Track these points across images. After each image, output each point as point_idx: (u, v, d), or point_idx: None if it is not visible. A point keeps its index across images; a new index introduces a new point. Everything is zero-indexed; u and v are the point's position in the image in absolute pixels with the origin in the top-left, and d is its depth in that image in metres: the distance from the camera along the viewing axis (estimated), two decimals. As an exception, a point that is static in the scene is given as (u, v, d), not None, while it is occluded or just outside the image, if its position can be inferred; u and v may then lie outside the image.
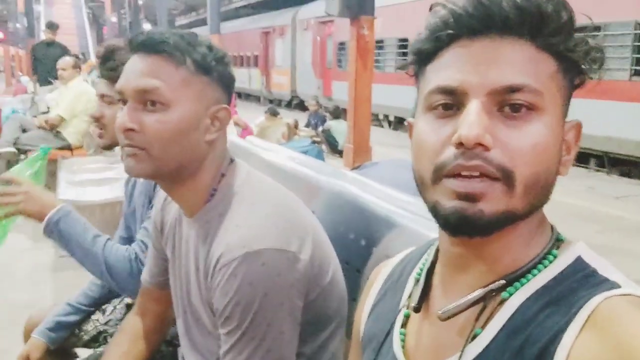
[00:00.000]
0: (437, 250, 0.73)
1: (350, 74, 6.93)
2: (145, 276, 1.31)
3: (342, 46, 14.32)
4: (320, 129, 9.36)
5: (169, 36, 1.00)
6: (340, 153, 8.59)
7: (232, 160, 1.10)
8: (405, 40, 12.12)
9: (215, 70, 1.02)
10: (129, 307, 1.74)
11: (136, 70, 0.99)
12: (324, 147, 8.80)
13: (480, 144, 0.56)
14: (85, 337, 1.74)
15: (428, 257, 0.74)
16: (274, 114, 9.00)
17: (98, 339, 1.73)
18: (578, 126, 0.64)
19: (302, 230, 1.02)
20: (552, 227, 0.66)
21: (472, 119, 0.57)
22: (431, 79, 0.63)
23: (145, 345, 1.29)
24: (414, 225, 1.24)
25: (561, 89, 0.61)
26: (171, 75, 0.98)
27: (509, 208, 0.58)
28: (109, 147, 1.59)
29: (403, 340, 0.72)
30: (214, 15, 15.16)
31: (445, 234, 0.65)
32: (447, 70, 0.61)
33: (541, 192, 0.60)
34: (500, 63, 0.58)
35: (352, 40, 6.84)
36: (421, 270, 0.74)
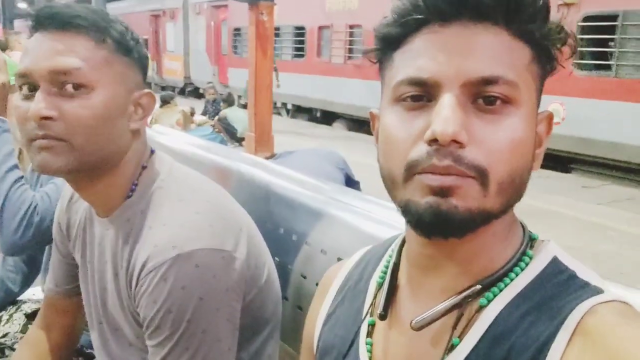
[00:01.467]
0: (400, 250, 0.68)
1: (250, 62, 6.79)
2: (49, 285, 1.17)
3: (237, 32, 14.08)
4: (216, 118, 9.15)
5: (82, 10, 0.87)
6: (239, 140, 8.44)
7: (152, 152, 0.99)
8: (302, 27, 12.14)
9: (135, 51, 0.92)
10: (28, 317, 1.57)
11: (48, 49, 0.84)
12: (222, 135, 8.61)
13: (455, 141, 0.52)
14: None
15: (390, 258, 0.69)
16: (166, 100, 8.60)
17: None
18: (550, 117, 0.62)
19: (236, 227, 0.94)
20: (522, 225, 0.64)
21: (447, 114, 0.52)
22: (400, 68, 0.57)
23: None
24: (343, 215, 1.20)
25: (535, 78, 0.58)
26: (92, 53, 0.86)
27: (483, 207, 0.54)
28: None
29: (370, 352, 0.66)
30: (99, -5, 14.21)
31: (415, 235, 0.60)
32: (417, 59, 0.56)
33: (516, 190, 0.57)
34: (475, 52, 0.54)
35: (251, 26, 6.69)
36: (384, 273, 0.69)
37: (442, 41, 0.55)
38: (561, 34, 0.57)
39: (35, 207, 1.31)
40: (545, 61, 0.59)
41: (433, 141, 0.52)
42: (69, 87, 0.84)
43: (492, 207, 0.55)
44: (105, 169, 0.91)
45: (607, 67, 6.89)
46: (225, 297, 0.88)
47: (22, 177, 1.35)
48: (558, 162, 7.61)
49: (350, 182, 2.28)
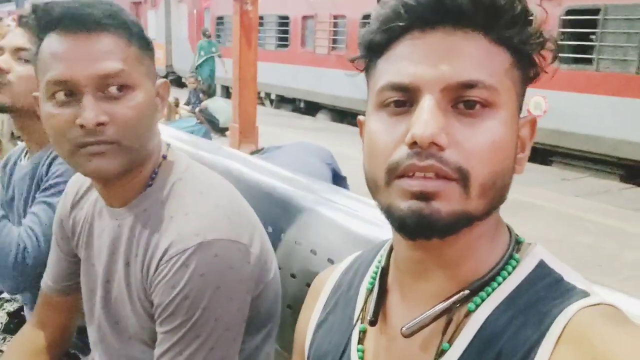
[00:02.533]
0: (389, 255, 0.69)
1: (234, 52, 6.73)
2: (47, 282, 1.16)
3: (220, 20, 13.93)
4: (197, 109, 9.07)
5: (103, 8, 0.86)
6: (222, 131, 8.39)
7: (168, 145, 1.01)
8: (286, 17, 12.06)
9: (150, 45, 0.94)
10: (11, 315, 1.54)
11: (87, 54, 0.84)
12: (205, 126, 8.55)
13: (434, 144, 0.53)
14: None
15: (380, 263, 0.70)
16: None
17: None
18: (533, 122, 0.63)
19: (250, 224, 0.97)
20: (509, 228, 0.65)
21: (426, 117, 0.53)
22: (382, 74, 0.59)
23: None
24: (333, 215, 1.21)
25: (516, 83, 0.59)
26: (126, 53, 0.87)
27: (466, 209, 0.55)
28: (3, 109, 1.35)
29: (362, 358, 0.67)
30: (79, -19, 13.93)
31: (401, 239, 0.61)
32: (398, 64, 0.57)
33: (498, 192, 0.58)
34: (454, 57, 0.55)
35: (235, 16, 6.63)
36: (373, 278, 0.70)
37: (423, 47, 0.56)
38: (539, 38, 0.58)
39: (24, 249, 1.25)
40: (526, 66, 0.60)
41: (413, 144, 0.54)
42: (113, 90, 0.85)
43: (475, 209, 0.56)
44: (142, 162, 0.93)
45: (589, 61, 6.98)
46: (239, 288, 0.90)
47: (4, 215, 1.30)
48: (538, 154, 7.71)
49: (338, 178, 2.30)
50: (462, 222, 0.56)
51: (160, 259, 0.88)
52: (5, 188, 1.50)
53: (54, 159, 1.31)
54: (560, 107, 7.05)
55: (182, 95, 10.37)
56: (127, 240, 0.95)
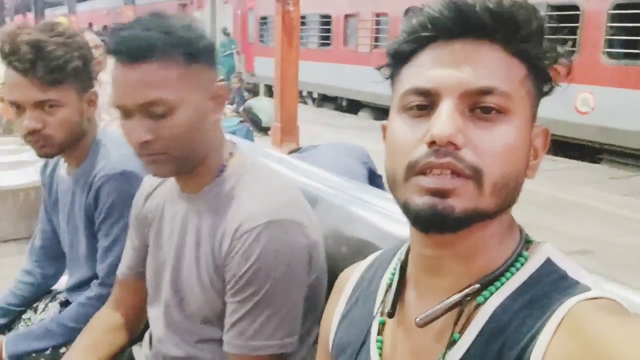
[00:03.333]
0: (408, 253, 0.73)
1: (276, 52, 6.82)
2: (122, 268, 1.26)
3: (264, 21, 14.10)
4: (241, 108, 9.22)
5: (152, 36, 0.94)
6: (264, 130, 8.50)
7: (234, 143, 1.11)
8: (328, 16, 12.12)
9: (202, 53, 0.99)
10: (62, 304, 1.63)
11: (132, 83, 0.95)
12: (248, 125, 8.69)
13: (451, 143, 0.57)
14: None
15: (399, 260, 0.74)
16: None
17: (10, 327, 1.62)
18: (546, 132, 0.67)
19: (309, 212, 1.07)
20: (520, 229, 0.68)
21: (445, 119, 0.58)
22: (406, 80, 0.63)
23: (116, 337, 1.24)
24: (364, 213, 1.25)
25: (530, 94, 0.63)
26: (168, 78, 0.96)
27: (479, 206, 0.59)
28: (55, 155, 1.43)
29: (380, 349, 0.72)
30: (128, -15, 14.39)
31: (418, 235, 0.65)
32: (421, 71, 0.62)
33: (510, 192, 0.61)
34: (473, 65, 0.60)
35: (277, 16, 6.71)
36: (392, 274, 0.74)
37: (445, 56, 0.61)
38: (554, 52, 0.63)
39: (99, 297, 1.37)
40: (540, 80, 0.64)
41: (432, 143, 0.58)
42: (157, 111, 0.96)
43: (487, 207, 0.59)
44: (202, 159, 1.04)
45: (638, 56, 6.75)
46: (304, 267, 0.99)
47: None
48: (587, 152, 7.51)
49: (374, 176, 2.32)
50: (474, 218, 0.59)
51: (233, 237, 0.97)
52: (47, 191, 1.59)
53: (100, 185, 1.38)
54: (609, 103, 6.85)
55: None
56: (198, 222, 1.05)
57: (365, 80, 10.73)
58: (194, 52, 0.98)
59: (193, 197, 1.07)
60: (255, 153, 1.72)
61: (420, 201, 0.59)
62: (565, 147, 7.64)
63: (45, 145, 1.35)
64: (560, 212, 5.07)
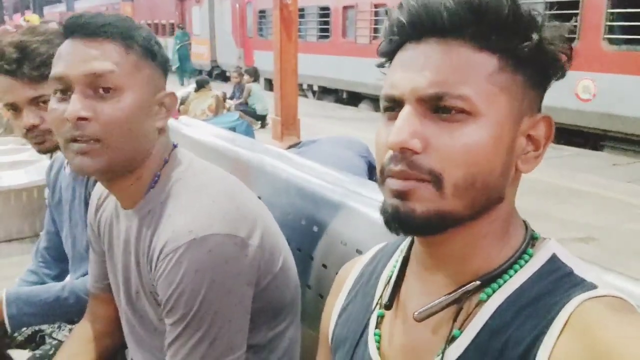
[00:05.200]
0: (410, 247, 0.73)
1: (275, 46, 6.81)
2: (91, 282, 1.26)
3: (262, 14, 14.06)
4: (238, 101, 9.20)
5: (110, 18, 0.94)
6: (261, 119, 8.50)
7: (175, 146, 1.06)
8: (327, 8, 12.07)
9: (158, 55, 0.99)
10: None
11: (83, 54, 0.91)
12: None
13: (406, 148, 0.58)
14: (20, 338, 1.64)
15: (401, 253, 0.74)
16: (202, 85, 8.60)
17: (34, 339, 1.63)
18: (547, 120, 0.63)
19: (250, 217, 0.99)
20: (525, 225, 0.67)
21: (400, 125, 0.58)
22: (385, 83, 0.64)
23: (95, 349, 1.24)
24: (364, 208, 1.25)
25: (509, 86, 0.59)
26: (122, 59, 0.93)
27: (441, 208, 0.58)
28: (54, 150, 1.44)
29: (378, 342, 0.71)
30: (126, -19, 14.36)
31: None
32: (392, 75, 0.63)
33: (480, 192, 0.59)
34: (430, 69, 0.58)
35: (275, 10, 6.70)
36: (394, 267, 0.74)
37: (409, 59, 0.61)
38: (529, 40, 0.58)
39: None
40: (529, 67, 0.60)
41: (391, 149, 0.59)
42: (102, 91, 0.91)
43: (453, 209, 0.58)
44: (135, 164, 0.98)
45: (639, 42, 6.71)
46: (237, 280, 0.93)
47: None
48: (589, 139, 7.48)
49: (374, 170, 2.32)
50: (440, 221, 0.59)
51: (158, 257, 0.93)
52: (51, 191, 1.62)
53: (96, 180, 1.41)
54: (610, 89, 6.82)
55: (227, 89, 10.55)
56: (135, 241, 1.02)
57: (365, 72, 10.72)
58: (150, 48, 0.97)
59: (130, 213, 1.03)
60: (254, 150, 1.75)
61: (389, 202, 0.60)
62: (567, 135, 7.62)
63: (45, 140, 1.39)
64: (562, 199, 5.06)
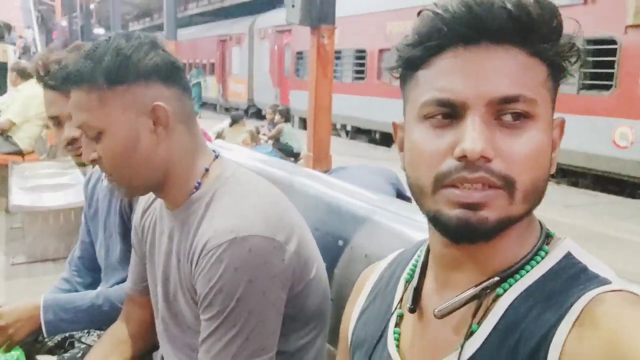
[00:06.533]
0: (428, 251, 0.73)
1: (311, 83, 6.96)
2: (129, 284, 1.30)
3: (299, 55, 14.38)
4: (270, 134, 9.36)
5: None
6: (296, 156, 8.60)
7: (216, 156, 1.09)
8: (363, 51, 12.30)
9: (130, 74, 0.97)
10: None
11: (69, 108, 1.03)
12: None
13: (483, 157, 0.57)
14: (50, 344, 1.67)
15: (419, 257, 0.75)
16: (235, 120, 8.92)
17: (64, 345, 1.66)
18: (562, 123, 0.66)
19: (288, 224, 1.02)
20: (540, 223, 0.68)
21: (474, 134, 0.57)
22: (425, 89, 0.62)
23: (127, 350, 1.27)
24: (389, 222, 1.27)
25: (550, 91, 0.62)
26: (88, 102, 0.98)
27: (510, 214, 0.59)
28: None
29: (397, 340, 0.72)
30: (171, 21, 14.95)
31: (441, 238, 0.65)
32: (443, 81, 0.60)
33: (538, 195, 0.62)
34: (495, 73, 0.59)
35: (313, 48, 6.87)
36: (412, 271, 0.75)
37: (465, 64, 0.59)
38: (573, 49, 0.61)
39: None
40: (558, 75, 0.63)
41: (462, 157, 0.57)
42: (90, 134, 1.01)
43: (518, 213, 0.60)
44: (157, 180, 1.04)
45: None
46: (273, 282, 0.96)
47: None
48: (627, 187, 7.32)
49: (402, 198, 2.34)
50: (505, 225, 0.60)
51: (200, 254, 0.96)
52: (88, 203, 1.69)
53: None
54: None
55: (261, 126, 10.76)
56: (178, 240, 1.06)
57: (399, 113, 10.77)
58: (112, 74, 0.96)
59: (175, 213, 1.07)
60: (285, 170, 1.79)
61: (453, 214, 0.59)
62: (605, 182, 7.48)
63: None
64: (602, 246, 4.93)
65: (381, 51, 11.81)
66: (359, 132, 12.89)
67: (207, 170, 1.06)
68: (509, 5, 0.57)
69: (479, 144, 0.56)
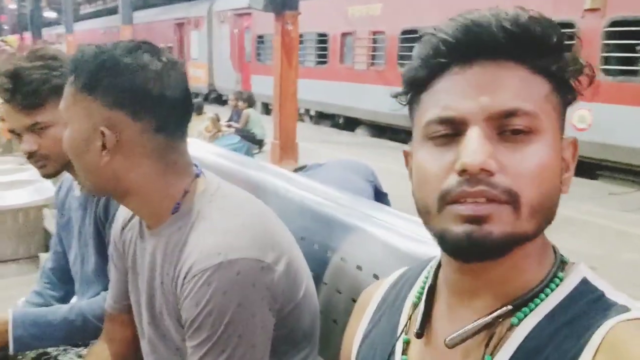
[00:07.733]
0: (436, 273, 0.72)
1: (276, 71, 6.88)
2: (109, 301, 1.24)
3: (260, 39, 14.21)
4: (240, 124, 9.26)
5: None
6: (259, 143, 8.54)
7: (197, 174, 1.04)
8: (325, 35, 12.22)
9: (99, 89, 0.95)
10: None
11: None
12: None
13: (484, 170, 0.57)
14: None
15: (427, 279, 0.73)
16: (196, 110, 8.72)
17: (39, 362, 1.60)
18: (574, 143, 0.65)
19: (277, 243, 1.00)
20: (555, 249, 0.67)
21: (474, 146, 0.57)
22: (428, 109, 0.62)
23: None
24: (378, 232, 1.25)
25: (556, 107, 0.62)
26: (66, 93, 1.00)
27: (517, 230, 0.58)
28: (56, 174, 1.45)
29: None
30: (126, 5, 14.49)
31: (453, 262, 0.64)
32: (443, 99, 0.61)
33: (547, 212, 0.60)
34: (495, 88, 0.59)
35: (277, 35, 6.78)
36: (420, 293, 0.73)
37: (465, 80, 0.60)
38: (576, 65, 0.62)
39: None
40: (564, 91, 0.63)
41: (463, 172, 0.57)
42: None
43: (526, 230, 0.58)
44: (115, 191, 1.02)
45: (634, 73, 6.82)
46: (261, 305, 0.94)
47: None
48: (585, 168, 7.53)
49: (379, 194, 2.33)
50: (513, 242, 0.58)
51: (185, 277, 0.93)
52: (60, 212, 1.62)
53: (108, 200, 1.41)
54: (606, 119, 6.89)
55: (223, 112, 10.60)
56: (161, 260, 1.02)
57: (362, 98, 10.80)
58: (88, 83, 0.96)
59: (155, 232, 1.03)
60: (262, 171, 1.74)
61: (459, 230, 0.58)
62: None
63: (45, 165, 1.42)
64: (559, 228, 5.03)
65: (343, 35, 11.76)
66: (323, 117, 12.87)
67: (186, 192, 1.01)
68: (506, 24, 0.59)
69: (478, 157, 0.56)
